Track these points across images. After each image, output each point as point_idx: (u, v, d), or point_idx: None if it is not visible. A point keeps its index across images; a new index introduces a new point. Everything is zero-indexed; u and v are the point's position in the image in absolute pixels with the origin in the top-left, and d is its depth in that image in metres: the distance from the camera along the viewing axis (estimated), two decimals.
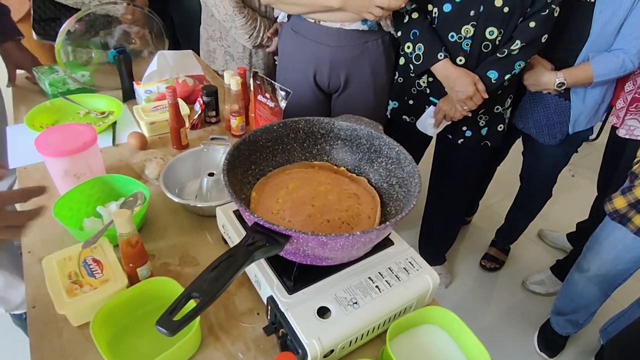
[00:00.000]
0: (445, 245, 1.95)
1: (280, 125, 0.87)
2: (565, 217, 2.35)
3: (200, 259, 0.88)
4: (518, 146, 1.83)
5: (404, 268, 0.77)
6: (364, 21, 1.30)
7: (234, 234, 0.83)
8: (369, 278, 0.75)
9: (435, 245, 1.95)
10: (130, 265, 0.75)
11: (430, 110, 1.41)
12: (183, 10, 1.51)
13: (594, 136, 3.19)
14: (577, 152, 1.61)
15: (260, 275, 0.74)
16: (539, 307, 1.91)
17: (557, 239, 2.23)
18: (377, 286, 0.73)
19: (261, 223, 0.62)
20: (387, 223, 0.64)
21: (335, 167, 0.91)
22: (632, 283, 1.49)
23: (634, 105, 1.43)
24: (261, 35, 1.55)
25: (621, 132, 1.46)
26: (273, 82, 1.06)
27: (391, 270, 0.77)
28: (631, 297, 1.56)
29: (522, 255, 2.18)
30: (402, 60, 1.45)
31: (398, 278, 0.75)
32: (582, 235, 1.99)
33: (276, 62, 1.67)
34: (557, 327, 1.67)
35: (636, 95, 1.41)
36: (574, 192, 2.67)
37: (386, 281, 0.74)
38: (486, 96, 1.28)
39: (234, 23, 1.50)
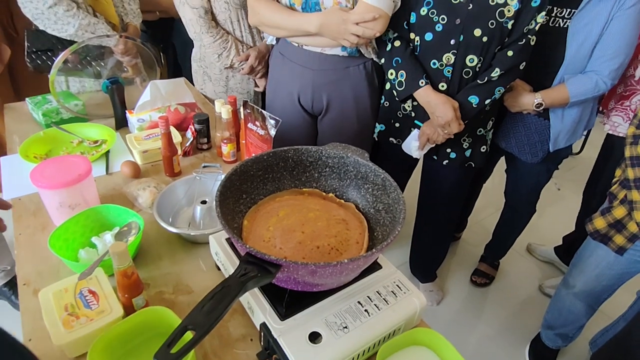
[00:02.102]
0: (436, 263, 1.98)
1: (270, 154, 0.91)
2: (553, 231, 2.40)
3: (194, 286, 0.90)
4: (504, 162, 1.89)
5: (392, 291, 0.80)
6: (344, 48, 1.35)
7: (227, 262, 0.85)
8: (358, 302, 0.77)
9: (425, 263, 1.98)
10: (126, 295, 0.77)
11: (415, 133, 1.46)
12: (184, 38, 1.57)
13: (577, 150, 3.28)
14: (557, 168, 1.67)
15: (253, 302, 0.76)
16: (530, 321, 1.94)
17: (546, 253, 2.28)
18: (366, 310, 0.76)
19: (253, 253, 0.65)
20: (374, 250, 0.67)
21: (324, 193, 0.94)
22: (621, 295, 1.53)
23: (620, 103, 1.52)
24: (232, 57, 1.59)
25: (605, 128, 1.54)
26: (263, 110, 1.10)
27: (379, 294, 0.79)
28: (620, 309, 1.60)
29: (511, 270, 2.22)
30: (387, 85, 1.50)
31: (386, 301, 0.78)
32: (571, 247, 2.05)
33: (256, 88, 1.72)
34: (548, 341, 1.70)
35: (623, 93, 1.49)
36: (560, 206, 2.73)
37: (375, 305, 0.77)
38: (462, 125, 1.33)
39: (202, 42, 1.55)
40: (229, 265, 0.84)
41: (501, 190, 1.93)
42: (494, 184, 2.18)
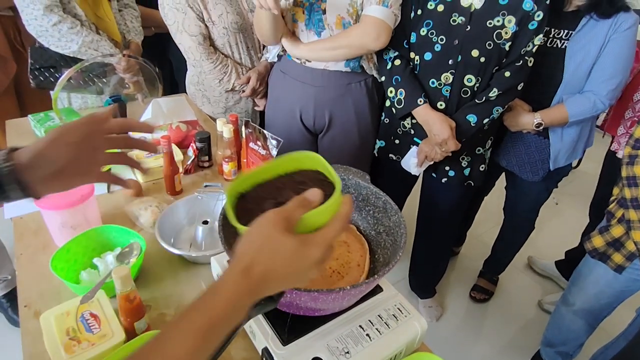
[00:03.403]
0: (435, 279, 1.99)
1: None
2: (552, 245, 2.40)
3: None
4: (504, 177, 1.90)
5: (393, 315, 0.81)
6: (347, 63, 1.37)
7: None
8: (360, 326, 0.77)
9: (425, 279, 1.98)
10: (128, 319, 0.77)
11: (414, 150, 1.47)
12: (180, 54, 1.59)
13: (575, 164, 3.29)
14: (557, 187, 1.68)
15: (255, 326, 0.76)
16: (529, 338, 1.93)
17: (546, 267, 2.28)
18: (367, 334, 0.76)
19: None
20: (375, 276, 0.68)
21: None
22: (622, 312, 1.53)
23: (631, 128, 1.54)
24: (233, 80, 1.60)
25: (620, 154, 1.56)
26: (264, 131, 1.11)
27: (381, 318, 0.80)
28: (620, 326, 1.59)
29: (510, 286, 2.22)
30: (387, 103, 1.52)
31: (387, 325, 0.78)
32: (573, 262, 2.06)
33: (256, 107, 1.74)
34: (548, 359, 1.69)
35: (635, 118, 1.52)
36: (558, 220, 2.74)
37: (376, 329, 0.77)
38: (459, 144, 1.35)
39: (202, 68, 1.56)
40: None
41: (501, 204, 1.94)
42: (493, 199, 2.19)
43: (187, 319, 0.43)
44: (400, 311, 0.82)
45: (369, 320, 0.79)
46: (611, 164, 1.76)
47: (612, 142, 1.69)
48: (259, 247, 0.46)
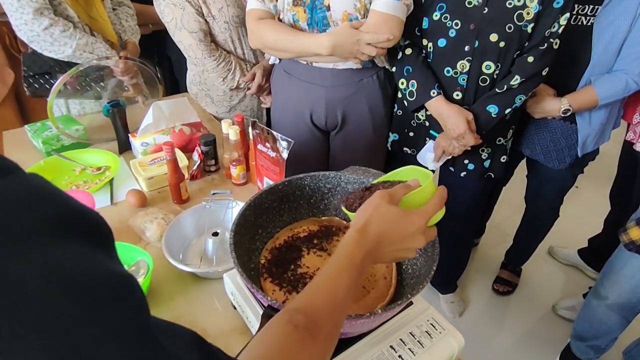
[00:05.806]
0: (456, 274, 1.91)
1: (285, 183, 0.85)
2: (573, 231, 2.31)
3: (210, 329, 0.84)
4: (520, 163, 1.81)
5: (426, 332, 0.74)
6: None
7: (244, 302, 0.79)
8: (391, 347, 0.71)
9: (446, 275, 1.91)
10: None
11: (430, 144, 1.39)
12: (179, 51, 1.51)
13: None
14: (582, 172, 1.59)
15: None
16: (557, 331, 1.86)
17: (568, 256, 2.19)
18: (400, 356, 0.69)
19: (276, 306, 0.59)
20: (409, 296, 0.61)
21: (344, 222, 0.88)
22: None
23: None
24: (237, 78, 1.52)
25: (638, 147, 1.46)
26: (274, 132, 1.04)
27: (413, 336, 0.73)
28: None
29: (534, 275, 2.13)
30: (400, 94, 1.43)
31: (421, 344, 0.71)
32: (597, 250, 1.98)
33: (263, 105, 1.66)
34: (579, 353, 1.62)
35: None
36: (578, 204, 2.64)
37: (409, 349, 0.70)
38: (478, 138, 1.26)
39: (205, 66, 1.48)
40: (245, 306, 0.78)
41: (515, 190, 1.85)
42: (509, 185, 2.09)
43: (332, 266, 0.50)
44: (434, 327, 0.74)
45: (400, 340, 0.72)
46: (628, 152, 1.66)
47: (627, 131, 1.58)
48: (370, 214, 0.55)
